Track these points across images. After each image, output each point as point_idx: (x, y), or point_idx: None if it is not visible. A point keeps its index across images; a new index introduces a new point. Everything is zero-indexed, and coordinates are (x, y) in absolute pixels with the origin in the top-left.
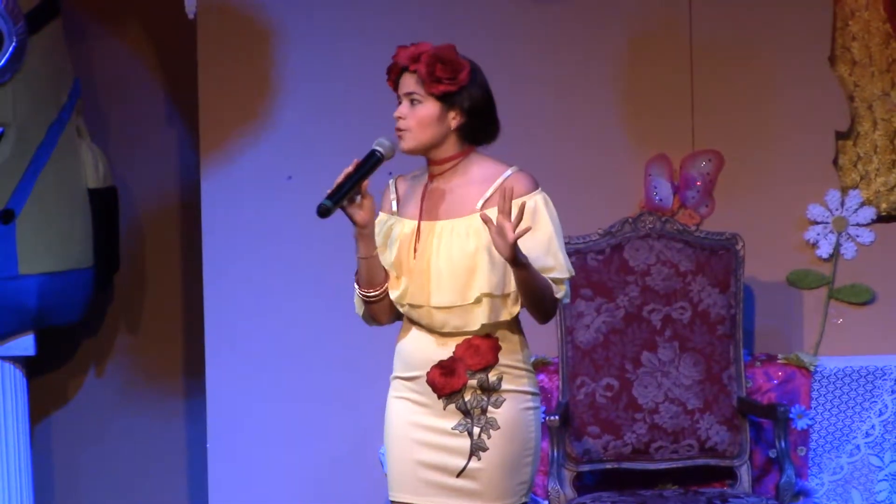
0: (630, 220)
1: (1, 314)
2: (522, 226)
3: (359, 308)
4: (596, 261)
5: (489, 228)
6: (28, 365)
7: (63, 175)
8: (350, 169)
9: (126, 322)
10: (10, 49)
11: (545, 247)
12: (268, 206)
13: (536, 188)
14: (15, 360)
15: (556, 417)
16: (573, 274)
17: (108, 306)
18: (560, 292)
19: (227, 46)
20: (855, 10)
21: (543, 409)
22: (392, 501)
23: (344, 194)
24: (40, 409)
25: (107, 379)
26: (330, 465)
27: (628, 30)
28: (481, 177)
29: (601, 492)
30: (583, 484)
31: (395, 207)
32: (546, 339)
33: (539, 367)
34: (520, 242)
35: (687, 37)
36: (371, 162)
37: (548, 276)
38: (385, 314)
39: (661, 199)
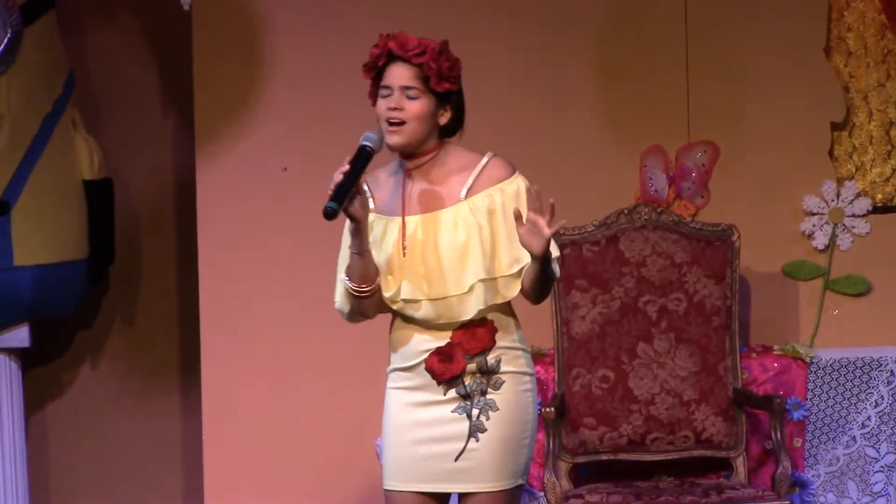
0: (625, 211)
1: None
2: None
3: (343, 304)
4: (591, 252)
5: (518, 227)
6: (23, 356)
7: (58, 166)
8: (346, 167)
9: (121, 313)
10: (6, 40)
11: None
12: (263, 197)
13: (515, 171)
14: (10, 351)
15: (552, 409)
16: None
17: (104, 298)
18: (559, 271)
19: (222, 37)
20: (850, 0)
21: (539, 400)
22: (386, 490)
23: (346, 193)
24: (35, 400)
25: (102, 370)
26: (326, 457)
27: (624, 20)
28: (459, 166)
29: (597, 483)
30: (579, 475)
31: (371, 205)
32: (542, 330)
33: (535, 358)
34: (508, 227)
35: (682, 27)
36: (363, 157)
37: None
38: (374, 308)
39: (656, 190)
